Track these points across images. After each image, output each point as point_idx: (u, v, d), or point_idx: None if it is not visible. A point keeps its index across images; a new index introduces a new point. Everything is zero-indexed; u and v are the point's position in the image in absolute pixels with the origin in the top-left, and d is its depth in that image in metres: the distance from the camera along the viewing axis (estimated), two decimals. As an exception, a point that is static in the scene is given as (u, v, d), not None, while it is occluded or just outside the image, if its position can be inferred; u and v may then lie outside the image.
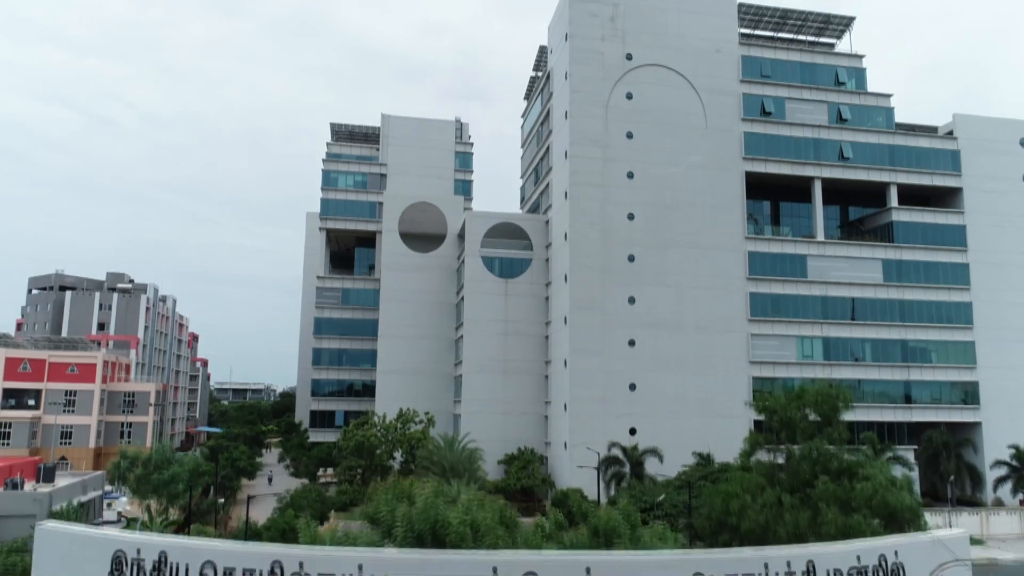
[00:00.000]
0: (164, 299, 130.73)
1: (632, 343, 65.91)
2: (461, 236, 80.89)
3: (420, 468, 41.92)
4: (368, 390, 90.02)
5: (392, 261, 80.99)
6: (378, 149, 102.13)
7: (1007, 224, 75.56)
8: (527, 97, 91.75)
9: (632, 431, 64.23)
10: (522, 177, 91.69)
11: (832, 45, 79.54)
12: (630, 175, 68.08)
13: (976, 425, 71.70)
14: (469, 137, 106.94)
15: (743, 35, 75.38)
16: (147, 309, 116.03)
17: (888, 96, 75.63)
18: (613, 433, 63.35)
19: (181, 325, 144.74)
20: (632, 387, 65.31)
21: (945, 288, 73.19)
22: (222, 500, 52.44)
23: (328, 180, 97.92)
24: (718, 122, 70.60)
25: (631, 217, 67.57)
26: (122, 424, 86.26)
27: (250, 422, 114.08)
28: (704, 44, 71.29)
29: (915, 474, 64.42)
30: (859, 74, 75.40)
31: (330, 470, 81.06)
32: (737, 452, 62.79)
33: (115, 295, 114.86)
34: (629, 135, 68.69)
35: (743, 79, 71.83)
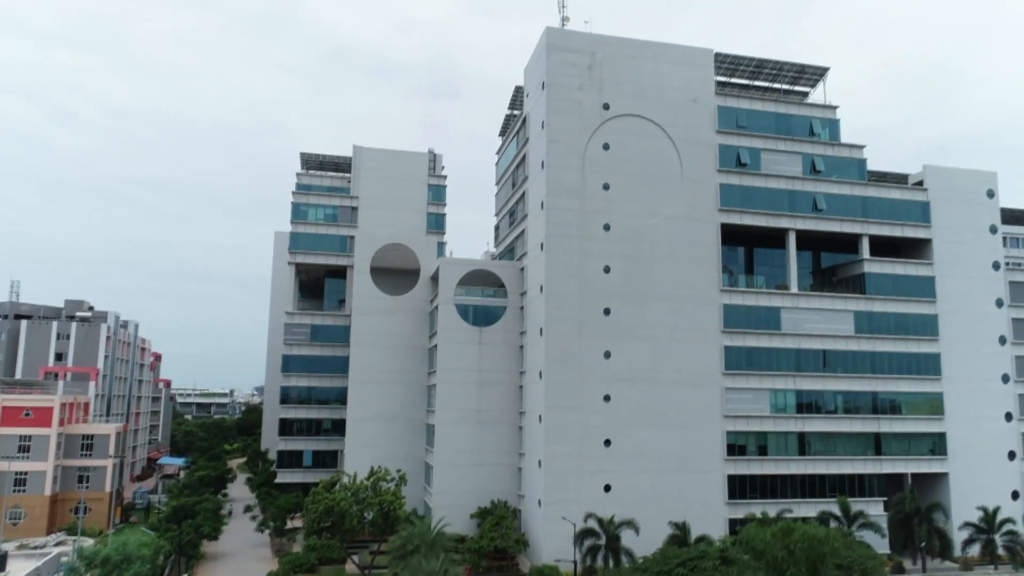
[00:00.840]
0: (125, 324, 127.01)
1: (608, 398, 65.32)
2: (434, 278, 79.57)
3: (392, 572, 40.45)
4: (338, 428, 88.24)
5: (363, 305, 79.33)
6: (349, 181, 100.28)
7: (975, 275, 76.64)
8: (502, 134, 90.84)
9: (607, 488, 63.69)
10: (496, 215, 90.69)
11: (806, 94, 79.99)
12: (607, 227, 67.51)
13: (943, 476, 72.59)
14: (442, 168, 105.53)
15: (719, 83, 75.49)
16: (107, 338, 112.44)
17: (861, 147, 76.23)
18: (588, 491, 62.85)
19: (143, 349, 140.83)
20: (607, 443, 64.70)
21: (915, 339, 73.96)
22: (186, 575, 50.43)
23: (298, 213, 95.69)
24: (694, 173, 70.40)
25: (607, 270, 66.99)
26: (80, 469, 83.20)
27: (215, 456, 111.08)
28: (681, 94, 71.05)
29: (886, 540, 64.92)
30: (833, 125, 75.85)
31: (299, 514, 79.31)
32: (713, 516, 62.91)
33: (74, 324, 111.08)
34: (606, 186, 68.11)
35: (719, 130, 71.73)
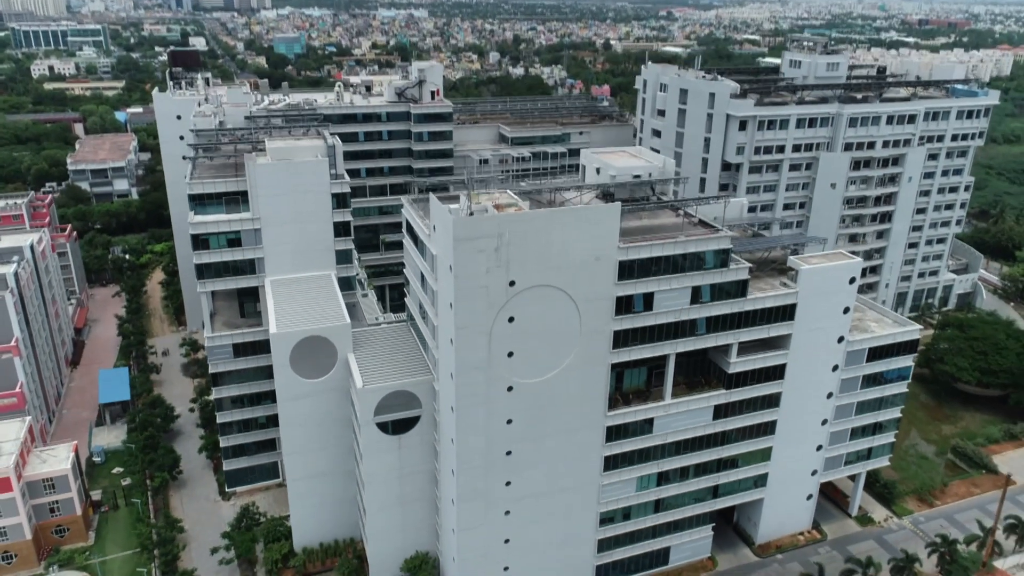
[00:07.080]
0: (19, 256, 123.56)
1: (508, 512, 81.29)
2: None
3: None
4: (273, 420, 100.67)
5: (287, 393, 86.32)
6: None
7: (823, 351, 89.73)
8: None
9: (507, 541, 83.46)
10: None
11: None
12: (510, 389, 75.52)
13: (759, 501, 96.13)
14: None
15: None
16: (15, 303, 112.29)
17: (746, 267, 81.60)
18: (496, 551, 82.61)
19: (43, 252, 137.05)
20: (507, 541, 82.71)
21: (759, 413, 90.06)
22: None
23: (199, 243, 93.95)
24: (592, 325, 76.23)
25: (510, 422, 77.05)
26: (49, 503, 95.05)
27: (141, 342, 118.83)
28: (586, 255, 72.99)
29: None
30: (726, 254, 79.70)
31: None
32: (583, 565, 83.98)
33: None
34: (510, 354, 74.12)
35: (618, 282, 75.55)
